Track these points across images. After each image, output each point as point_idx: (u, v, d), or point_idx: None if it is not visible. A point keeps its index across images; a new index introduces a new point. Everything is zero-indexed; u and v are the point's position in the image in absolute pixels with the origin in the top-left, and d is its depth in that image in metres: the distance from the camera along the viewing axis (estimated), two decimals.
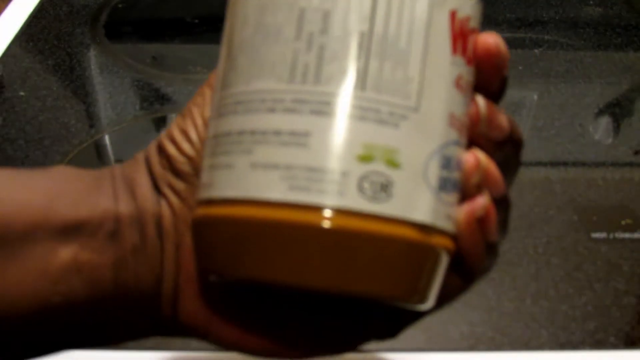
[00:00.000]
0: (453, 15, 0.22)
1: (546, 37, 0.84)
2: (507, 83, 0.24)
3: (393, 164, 0.20)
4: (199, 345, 0.44)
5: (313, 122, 0.20)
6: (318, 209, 0.20)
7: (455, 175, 0.22)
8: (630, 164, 0.63)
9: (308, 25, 0.21)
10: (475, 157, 0.22)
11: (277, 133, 0.20)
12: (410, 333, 0.46)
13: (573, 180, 0.61)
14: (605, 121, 0.70)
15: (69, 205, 0.23)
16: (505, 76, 0.24)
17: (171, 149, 0.24)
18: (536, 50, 0.81)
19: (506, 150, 0.24)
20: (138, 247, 0.24)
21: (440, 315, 0.47)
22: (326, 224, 0.20)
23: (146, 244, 0.24)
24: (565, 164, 0.63)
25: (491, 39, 0.23)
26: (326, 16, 0.21)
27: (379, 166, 0.20)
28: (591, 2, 0.91)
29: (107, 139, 0.65)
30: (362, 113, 0.20)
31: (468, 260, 0.23)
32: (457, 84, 0.22)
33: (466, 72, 0.22)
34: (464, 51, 0.22)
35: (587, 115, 0.70)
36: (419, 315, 0.25)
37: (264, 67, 0.21)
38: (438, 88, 0.21)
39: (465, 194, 0.23)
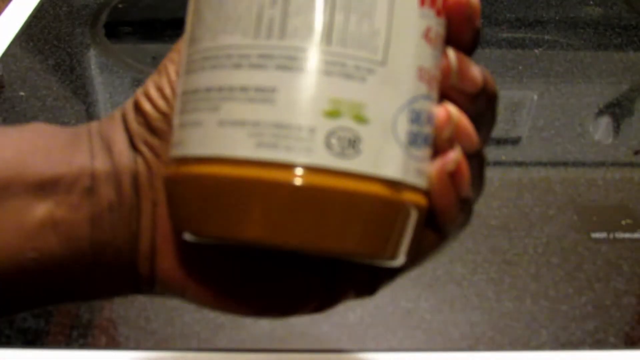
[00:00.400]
0: None
1: (546, 37, 0.84)
2: (480, 35, 0.23)
3: (360, 119, 0.20)
4: (199, 345, 0.44)
5: (279, 78, 0.20)
6: (286, 166, 0.20)
7: (426, 129, 0.22)
8: (630, 164, 0.63)
9: None
10: (446, 111, 0.22)
11: (244, 89, 0.20)
12: (410, 333, 0.46)
13: (573, 180, 0.61)
14: (605, 121, 0.70)
15: (44, 162, 0.23)
16: (477, 28, 0.23)
17: (146, 106, 0.24)
18: (536, 50, 0.81)
19: (480, 103, 0.23)
20: (114, 204, 0.24)
21: (441, 315, 0.47)
22: (294, 182, 0.20)
23: (122, 201, 0.24)
24: (565, 164, 0.63)
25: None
26: None
27: (346, 121, 0.20)
28: (591, 2, 0.91)
29: None
30: (328, 67, 0.20)
31: (441, 216, 0.23)
32: (426, 36, 0.21)
33: (436, 24, 0.22)
34: (432, 2, 0.22)
35: (587, 115, 0.70)
36: (396, 271, 0.25)
37: (230, 21, 0.21)
38: (406, 41, 0.21)
39: (437, 148, 0.22)
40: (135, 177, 0.24)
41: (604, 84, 0.75)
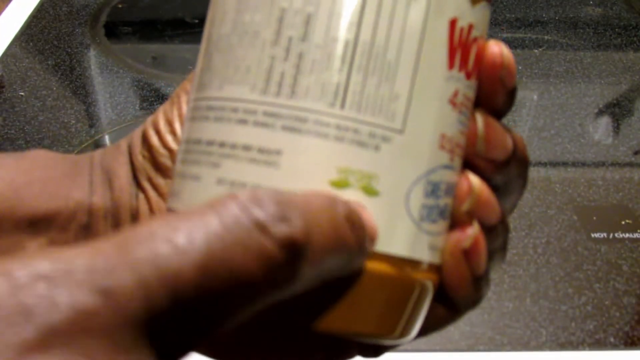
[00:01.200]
0: (453, 24, 0.19)
1: (546, 37, 0.84)
2: (515, 96, 0.22)
3: (370, 191, 0.18)
4: None
5: (285, 140, 0.18)
6: None
7: (443, 202, 0.20)
8: (630, 164, 0.63)
9: (288, 30, 0.19)
10: (468, 183, 0.20)
11: (247, 148, 0.18)
12: None
13: (573, 180, 0.61)
14: (605, 121, 0.70)
15: (39, 196, 0.22)
16: (512, 89, 0.21)
17: (154, 140, 0.23)
18: (536, 50, 0.81)
19: (509, 171, 0.22)
20: None
21: None
22: None
23: None
24: (565, 164, 0.63)
25: (496, 49, 0.21)
26: (308, 20, 0.18)
27: (354, 193, 0.18)
28: (591, 2, 0.91)
29: (107, 139, 0.65)
30: (339, 133, 0.18)
31: (453, 293, 0.21)
32: (452, 101, 0.20)
33: (464, 87, 0.20)
34: (463, 64, 0.20)
35: (587, 115, 0.70)
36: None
37: (238, 71, 0.19)
38: (429, 107, 0.19)
39: (455, 221, 0.21)
40: (134, 216, 0.23)
41: (604, 84, 0.75)
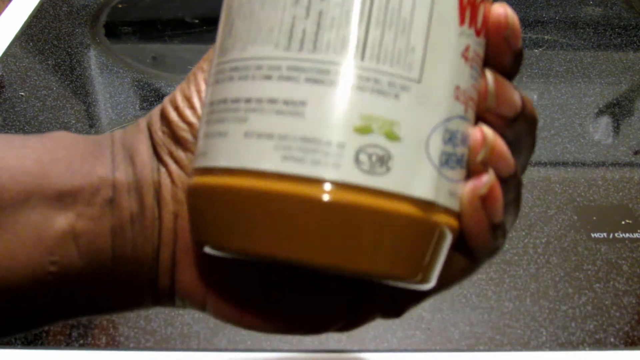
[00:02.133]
0: None
1: (546, 37, 0.84)
2: (522, 58, 0.23)
3: (392, 136, 0.19)
4: (199, 345, 0.44)
5: (309, 91, 0.19)
6: (311, 181, 0.19)
7: (460, 150, 0.21)
8: (630, 164, 0.63)
9: None
10: (482, 133, 0.21)
11: (272, 101, 0.20)
12: (410, 333, 0.46)
13: (573, 180, 0.61)
14: (605, 121, 0.70)
15: (65, 172, 0.23)
16: (517, 50, 0.22)
17: (173, 115, 0.24)
18: (536, 50, 0.81)
19: (518, 128, 0.23)
20: (136, 216, 0.23)
21: (441, 315, 0.47)
22: (320, 197, 0.19)
23: (144, 213, 0.23)
24: (565, 164, 0.63)
25: (501, 10, 0.22)
26: None
27: (377, 138, 0.19)
28: (591, 2, 0.91)
29: None
30: (361, 83, 0.19)
31: (472, 240, 0.22)
32: (464, 55, 0.21)
33: (475, 44, 0.21)
34: (472, 21, 0.21)
35: (587, 115, 0.70)
36: (424, 294, 0.24)
37: (261, 33, 0.20)
38: (443, 59, 0.20)
39: (471, 171, 0.22)
40: (157, 189, 0.24)
41: (604, 84, 0.75)
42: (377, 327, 0.46)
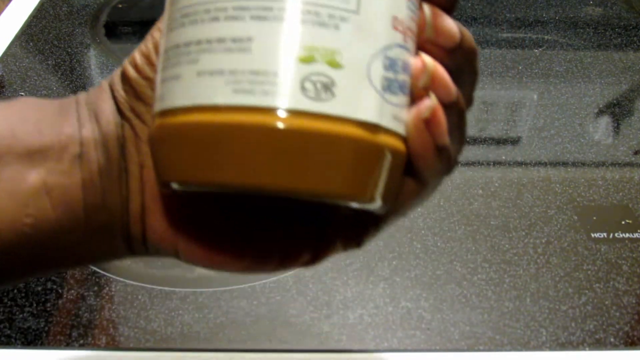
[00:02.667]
0: None
1: (546, 37, 0.84)
2: None
3: (334, 64, 0.21)
4: (199, 345, 0.44)
5: (255, 28, 0.21)
6: (262, 110, 0.20)
7: (402, 77, 0.22)
8: (630, 164, 0.63)
9: None
10: (422, 60, 0.23)
11: (221, 40, 0.21)
12: (410, 333, 0.46)
13: (573, 180, 0.61)
14: (605, 121, 0.70)
15: (33, 132, 0.24)
16: None
17: (132, 73, 0.25)
18: (536, 50, 0.81)
19: (457, 58, 0.24)
20: (104, 168, 0.25)
21: (440, 315, 0.47)
22: (269, 124, 0.20)
23: (111, 165, 0.25)
24: (565, 164, 0.63)
25: None
26: None
27: (320, 67, 0.21)
28: (591, 2, 0.91)
29: None
30: (302, 16, 0.21)
31: (418, 162, 0.24)
32: None
33: None
34: None
35: (587, 115, 0.70)
36: (381, 221, 0.26)
37: None
38: None
39: (414, 97, 0.23)
40: (122, 143, 0.25)
41: (604, 84, 0.75)
42: (377, 327, 0.46)
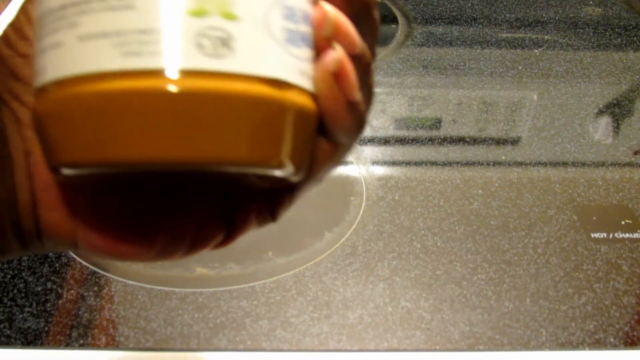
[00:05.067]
0: None
1: (546, 37, 0.84)
2: None
3: (230, 16, 0.19)
4: (199, 345, 0.44)
5: None
6: (154, 72, 0.18)
7: (303, 28, 0.21)
8: (630, 164, 0.63)
9: None
10: (322, 10, 0.21)
11: None
12: (410, 333, 0.46)
13: (573, 180, 0.61)
14: (605, 121, 0.70)
15: None
16: None
17: (5, 50, 0.22)
18: (536, 50, 0.81)
19: (355, 7, 0.22)
20: None
21: (440, 315, 0.47)
22: (164, 89, 0.18)
23: None
24: (565, 164, 0.63)
25: None
26: None
27: (215, 20, 0.19)
28: (591, 2, 0.91)
29: None
30: None
31: (329, 119, 0.22)
32: None
33: None
34: None
35: (587, 115, 0.70)
36: (295, 190, 0.24)
37: None
38: None
39: (318, 49, 0.21)
40: (2, 129, 0.22)
41: (604, 84, 0.75)
42: (377, 327, 0.46)
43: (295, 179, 0.22)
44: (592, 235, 0.54)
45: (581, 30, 0.85)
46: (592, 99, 0.72)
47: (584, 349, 0.45)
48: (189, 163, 0.19)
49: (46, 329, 0.45)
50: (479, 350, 0.45)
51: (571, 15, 0.88)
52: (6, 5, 0.84)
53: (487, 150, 0.65)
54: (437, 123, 0.69)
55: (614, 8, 0.90)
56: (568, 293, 0.49)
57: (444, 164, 0.63)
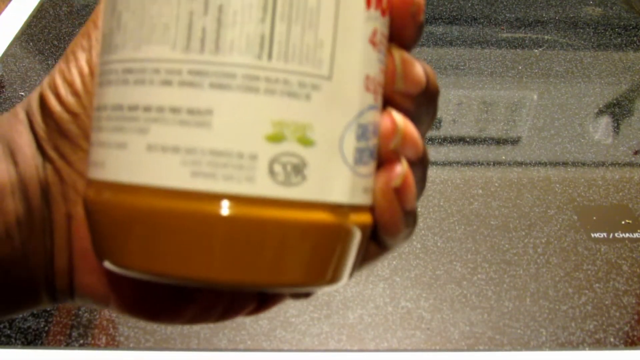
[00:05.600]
0: None
1: (546, 37, 0.84)
2: (423, 29, 0.22)
3: (306, 141, 0.18)
4: (199, 345, 0.44)
5: (215, 98, 0.18)
6: (223, 197, 0.18)
7: (372, 142, 0.20)
8: (630, 164, 0.63)
9: None
10: (392, 121, 0.20)
11: (175, 111, 0.18)
12: (410, 333, 0.46)
13: (573, 180, 0.61)
14: (605, 121, 0.70)
15: None
16: (421, 22, 0.21)
17: (54, 105, 0.21)
18: (536, 50, 0.81)
19: (422, 101, 0.22)
20: (23, 219, 0.21)
21: (440, 315, 0.47)
22: (233, 214, 0.18)
23: (32, 215, 0.21)
24: (565, 164, 0.63)
25: None
26: None
27: (291, 146, 0.18)
28: (591, 2, 0.91)
29: None
30: (270, 86, 0.18)
31: (385, 231, 0.21)
32: (372, 40, 0.20)
33: (381, 25, 0.20)
34: (379, 2, 0.20)
35: (587, 115, 0.70)
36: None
37: (155, 30, 0.18)
38: (352, 50, 0.19)
39: (382, 160, 0.21)
40: (45, 188, 0.21)
41: (604, 84, 0.75)
42: (377, 327, 0.46)
43: (341, 286, 0.22)
44: (592, 235, 0.54)
45: (581, 30, 0.85)
46: (592, 99, 0.72)
47: (584, 349, 0.45)
48: (244, 286, 0.19)
49: (46, 329, 0.45)
50: (479, 350, 0.45)
51: (571, 15, 0.88)
52: (6, 5, 0.84)
53: (487, 150, 0.65)
54: (437, 123, 0.69)
55: (614, 8, 0.90)
56: (568, 293, 0.49)
57: (444, 164, 0.62)
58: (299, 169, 0.18)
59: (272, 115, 0.18)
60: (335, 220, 0.19)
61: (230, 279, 0.18)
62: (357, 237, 0.20)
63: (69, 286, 0.22)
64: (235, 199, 0.18)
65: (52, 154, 0.21)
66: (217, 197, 0.18)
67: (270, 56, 0.18)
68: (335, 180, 0.19)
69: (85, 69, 0.21)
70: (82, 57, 0.21)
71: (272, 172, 0.18)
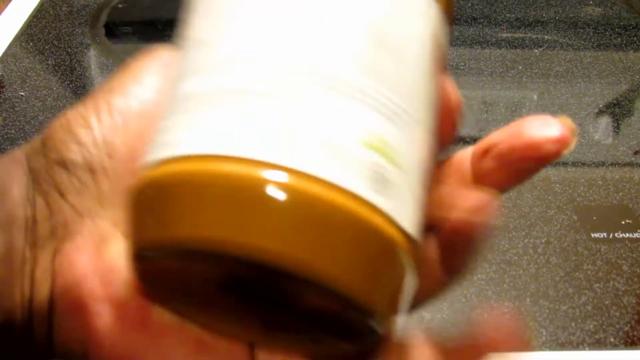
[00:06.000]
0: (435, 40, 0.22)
1: (546, 37, 0.84)
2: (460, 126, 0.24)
3: (394, 162, 0.19)
4: None
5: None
6: (322, 182, 0.18)
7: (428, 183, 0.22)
8: (630, 164, 0.63)
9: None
10: (479, 198, 0.24)
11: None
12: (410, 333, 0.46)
13: (573, 180, 0.61)
14: (605, 121, 0.70)
15: None
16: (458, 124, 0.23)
17: (61, 134, 0.21)
18: (536, 50, 0.81)
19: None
20: (2, 259, 0.20)
21: (440, 315, 0.47)
22: (326, 200, 0.18)
23: (12, 253, 0.20)
24: (565, 164, 0.63)
25: (453, 97, 0.22)
26: None
27: (382, 158, 0.19)
28: (591, 2, 0.91)
29: None
30: (370, 102, 0.19)
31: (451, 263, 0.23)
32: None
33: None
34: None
35: (587, 115, 0.70)
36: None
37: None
38: (431, 113, 0.22)
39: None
40: (30, 227, 0.21)
41: (604, 84, 0.75)
42: None
43: (381, 330, 0.21)
44: (592, 235, 0.54)
45: (581, 30, 0.85)
46: (592, 99, 0.72)
47: (584, 349, 0.45)
48: (312, 276, 0.18)
49: None
50: None
51: (571, 15, 0.88)
52: (6, 5, 0.84)
53: None
54: None
55: (614, 8, 0.90)
56: (568, 293, 0.49)
57: None
58: (386, 181, 0.19)
59: (371, 126, 0.19)
60: (404, 246, 0.19)
61: (305, 267, 0.18)
62: (414, 274, 0.21)
63: (47, 332, 0.21)
64: (335, 187, 0.18)
65: (46, 187, 0.21)
66: (319, 182, 0.18)
67: (382, 83, 0.20)
68: (408, 208, 0.20)
69: (103, 106, 0.22)
70: (102, 98, 0.22)
71: (367, 175, 0.18)
